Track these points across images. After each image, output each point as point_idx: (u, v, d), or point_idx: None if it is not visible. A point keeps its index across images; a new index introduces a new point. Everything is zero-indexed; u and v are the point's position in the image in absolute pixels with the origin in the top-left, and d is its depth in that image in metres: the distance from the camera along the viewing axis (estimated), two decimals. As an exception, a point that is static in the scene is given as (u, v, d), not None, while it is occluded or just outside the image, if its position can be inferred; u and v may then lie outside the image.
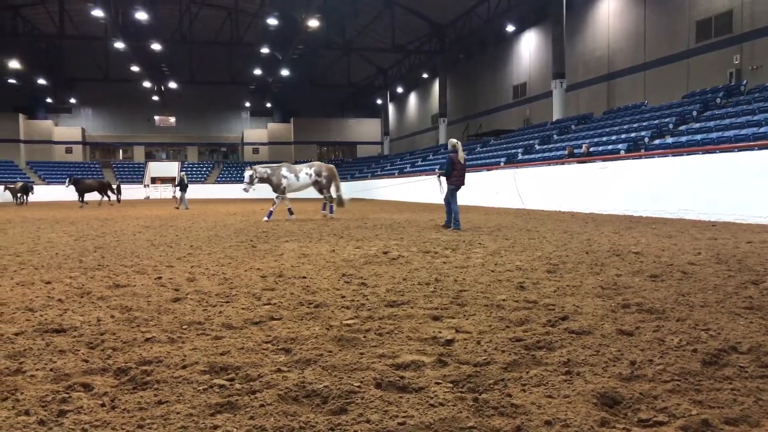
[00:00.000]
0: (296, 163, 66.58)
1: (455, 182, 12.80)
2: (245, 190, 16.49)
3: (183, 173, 29.98)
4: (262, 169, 16.58)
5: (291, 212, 17.11)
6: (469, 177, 14.36)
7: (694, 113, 22.29)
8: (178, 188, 28.87)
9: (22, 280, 6.10)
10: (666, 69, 28.69)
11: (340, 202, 16.99)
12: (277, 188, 16.45)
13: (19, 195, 39.02)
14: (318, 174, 16.74)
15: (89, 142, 67.62)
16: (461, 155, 12.70)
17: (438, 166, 12.71)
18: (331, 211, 17.64)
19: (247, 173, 16.31)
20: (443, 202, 13.14)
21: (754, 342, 3.45)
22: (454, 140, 13.09)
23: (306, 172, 16.69)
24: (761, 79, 22.86)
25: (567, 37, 33.35)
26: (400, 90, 63.89)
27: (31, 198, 43.44)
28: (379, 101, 68.87)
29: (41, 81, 56.97)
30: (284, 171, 16.47)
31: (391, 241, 10.19)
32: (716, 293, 4.99)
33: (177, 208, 27.60)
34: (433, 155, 44.62)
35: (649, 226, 12.31)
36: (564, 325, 4.00)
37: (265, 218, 16.32)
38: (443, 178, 13.14)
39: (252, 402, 2.65)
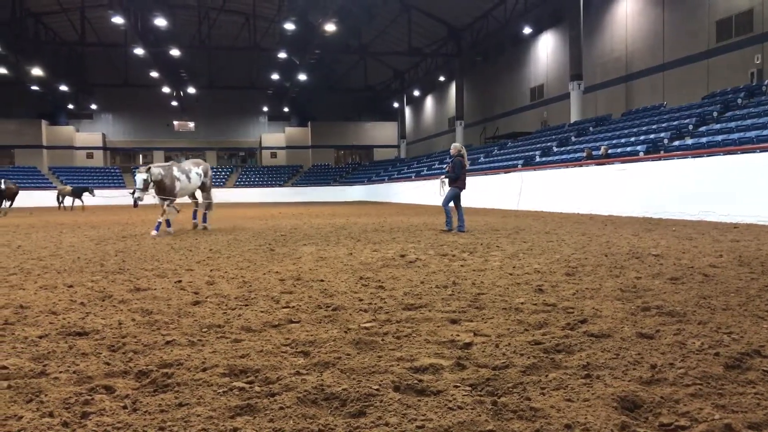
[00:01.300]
0: (315, 166, 66.81)
1: (461, 185, 13.01)
2: (138, 199, 13.42)
3: None
4: (156, 170, 13.00)
5: (169, 223, 13.63)
6: (488, 180, 14.36)
7: (715, 114, 22.02)
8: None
9: (45, 284, 6.19)
10: (685, 69, 28.38)
11: (210, 206, 14.86)
12: (171, 192, 13.23)
13: (61, 199, 39.47)
14: (205, 174, 14.44)
15: (109, 147, 68.49)
16: (466, 159, 13.00)
17: (446, 171, 12.60)
18: (205, 219, 14.83)
19: (140, 177, 12.65)
20: (443, 206, 13.20)
21: (778, 345, 3.40)
22: (459, 144, 13.27)
23: (196, 171, 14.10)
24: (784, 79, 22.53)
25: (584, 39, 33.15)
26: (416, 93, 63.90)
27: (50, 202, 43.80)
28: (395, 104, 68.94)
29: (63, 88, 57.82)
30: (176, 172, 13.46)
31: (409, 244, 10.18)
32: (739, 296, 4.92)
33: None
34: (450, 158, 44.52)
35: (669, 228, 12.18)
36: (583, 328, 3.98)
37: (154, 231, 12.93)
38: (446, 181, 13.33)
39: (271, 405, 2.67)
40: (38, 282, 6.35)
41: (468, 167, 13.14)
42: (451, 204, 13.08)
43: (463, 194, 13.24)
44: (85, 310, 4.85)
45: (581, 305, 4.70)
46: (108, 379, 3.07)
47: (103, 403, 2.72)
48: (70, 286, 6.04)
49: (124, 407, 2.68)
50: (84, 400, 2.74)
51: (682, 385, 2.83)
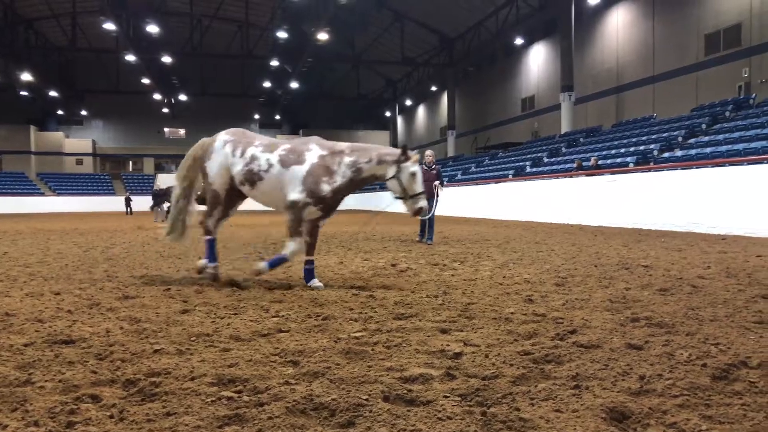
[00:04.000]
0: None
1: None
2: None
3: (159, 185, 29.03)
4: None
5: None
6: (477, 189, 14.32)
7: (704, 126, 22.23)
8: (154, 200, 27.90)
9: (31, 291, 6.13)
10: (675, 82, 28.67)
11: None
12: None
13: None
14: None
15: (99, 153, 68.15)
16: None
17: (445, 180, 12.33)
18: None
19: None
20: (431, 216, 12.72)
21: (765, 357, 3.42)
22: (430, 152, 13.11)
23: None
24: (771, 93, 22.78)
25: (575, 50, 33.42)
26: (408, 102, 64.12)
27: (27, 210, 43.67)
28: (387, 113, 69.12)
29: (53, 93, 57.59)
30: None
31: (400, 253, 10.18)
32: (726, 307, 4.95)
33: (155, 221, 26.22)
34: (441, 167, 44.65)
35: (658, 240, 12.25)
36: (573, 338, 3.99)
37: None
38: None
39: (260, 414, 2.65)
40: (24, 289, 6.29)
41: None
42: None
43: (454, 203, 13.19)
44: (72, 317, 4.81)
45: (571, 316, 4.71)
46: (95, 388, 3.04)
47: (89, 412, 2.69)
48: (57, 294, 5.98)
49: (111, 416, 2.66)
50: (70, 410, 2.72)
51: (670, 396, 2.84)
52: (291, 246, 6.25)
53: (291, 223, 6.22)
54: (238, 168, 6.44)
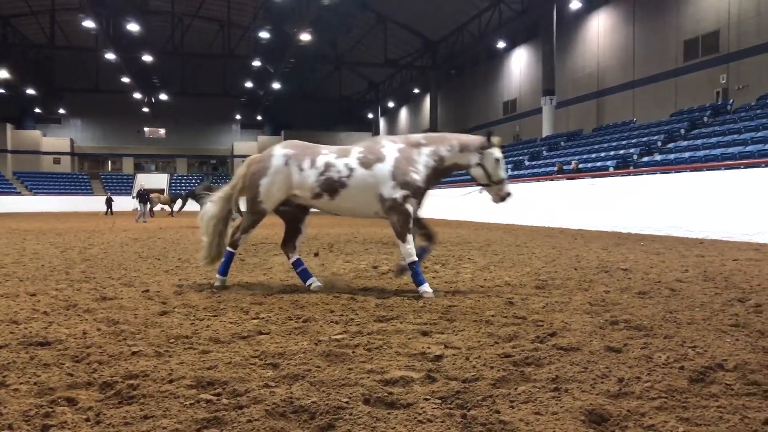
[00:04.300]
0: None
1: None
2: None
3: (143, 184, 29.08)
4: None
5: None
6: (459, 192, 14.32)
7: (682, 131, 22.54)
8: (138, 200, 28.05)
9: (6, 292, 6.03)
10: (655, 87, 29.05)
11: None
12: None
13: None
14: None
15: (78, 153, 67.29)
16: None
17: None
18: None
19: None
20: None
21: (740, 359, 3.47)
22: None
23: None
24: (747, 99, 23.18)
25: (557, 55, 33.72)
26: (391, 104, 64.21)
27: (2, 209, 43.07)
28: (370, 115, 69.18)
29: (30, 91, 56.74)
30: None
31: (381, 255, 10.18)
32: (703, 310, 5.02)
33: (140, 221, 26.65)
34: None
35: (637, 243, 12.38)
36: (552, 341, 4.01)
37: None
38: None
39: (239, 417, 2.63)
40: None
41: None
42: None
43: (435, 205, 13.09)
44: (48, 319, 4.74)
45: (551, 318, 4.74)
46: (70, 391, 2.99)
47: (64, 415, 2.65)
48: (33, 295, 5.89)
49: (87, 420, 2.61)
50: (45, 413, 2.67)
51: (648, 399, 2.87)
52: (407, 249, 5.91)
53: (399, 224, 5.90)
54: (310, 180, 6.01)
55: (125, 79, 53.21)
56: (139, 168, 68.80)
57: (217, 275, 6.43)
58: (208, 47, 50.42)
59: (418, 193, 5.96)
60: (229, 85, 60.32)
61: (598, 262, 8.75)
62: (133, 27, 43.36)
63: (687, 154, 19.21)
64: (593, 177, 19.62)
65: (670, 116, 25.48)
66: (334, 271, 7.99)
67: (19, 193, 54.47)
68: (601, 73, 32.74)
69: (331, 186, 6.00)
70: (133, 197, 57.70)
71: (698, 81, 26.52)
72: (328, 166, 6.03)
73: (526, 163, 30.37)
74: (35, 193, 54.92)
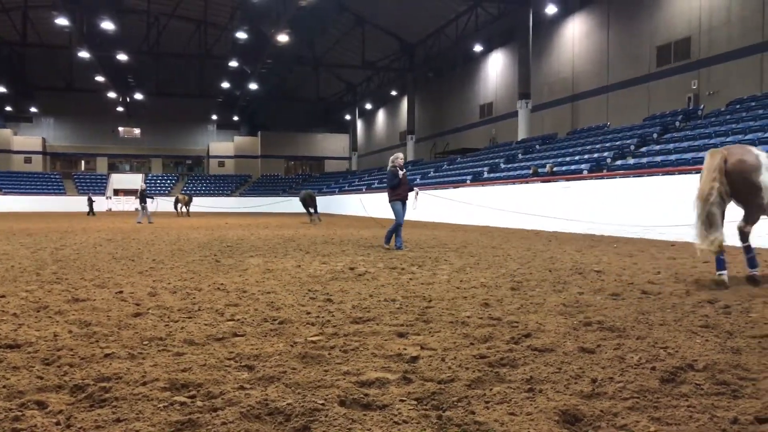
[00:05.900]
0: (263, 176, 66.01)
1: (398, 196, 12.12)
2: None
3: (144, 185, 29.29)
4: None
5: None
6: (437, 194, 14.37)
7: (655, 135, 22.89)
8: (138, 201, 28.38)
9: (-25, 294, 5.90)
10: (628, 92, 29.46)
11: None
12: None
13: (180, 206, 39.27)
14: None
15: (50, 152, 66.07)
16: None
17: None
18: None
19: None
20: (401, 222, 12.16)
21: (710, 360, 3.54)
22: (400, 155, 12.62)
23: None
24: (717, 104, 23.62)
25: (533, 59, 34.02)
26: (368, 106, 64.19)
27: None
28: (347, 117, 69.08)
29: (1, 89, 55.55)
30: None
31: (358, 257, 10.17)
32: (674, 312, 5.10)
33: (139, 222, 26.89)
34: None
35: (610, 245, 12.55)
36: (527, 342, 4.04)
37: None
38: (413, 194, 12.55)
39: (213, 420, 2.61)
40: (-32, 291, 6.05)
41: (399, 176, 12.28)
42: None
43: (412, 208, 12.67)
44: (17, 321, 4.65)
45: (525, 319, 4.78)
46: (40, 394, 2.94)
47: (34, 419, 2.60)
48: (2, 296, 5.78)
49: (57, 423, 2.57)
50: (14, 416, 2.62)
51: (620, 399, 2.91)
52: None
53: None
54: None
55: (99, 78, 52.30)
56: (113, 168, 67.79)
57: (752, 271, 6.73)
58: (185, 47, 49.86)
59: None
60: (205, 85, 59.70)
61: (572, 264, 8.85)
62: (107, 25, 42.64)
63: (659, 158, 19.51)
64: (568, 180, 19.83)
65: (643, 120, 25.85)
66: (311, 272, 7.96)
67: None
68: (576, 77, 33.13)
69: None
70: (108, 197, 57.07)
71: (670, 86, 26.97)
72: None
73: (502, 165, 30.59)
74: (5, 193, 53.72)
